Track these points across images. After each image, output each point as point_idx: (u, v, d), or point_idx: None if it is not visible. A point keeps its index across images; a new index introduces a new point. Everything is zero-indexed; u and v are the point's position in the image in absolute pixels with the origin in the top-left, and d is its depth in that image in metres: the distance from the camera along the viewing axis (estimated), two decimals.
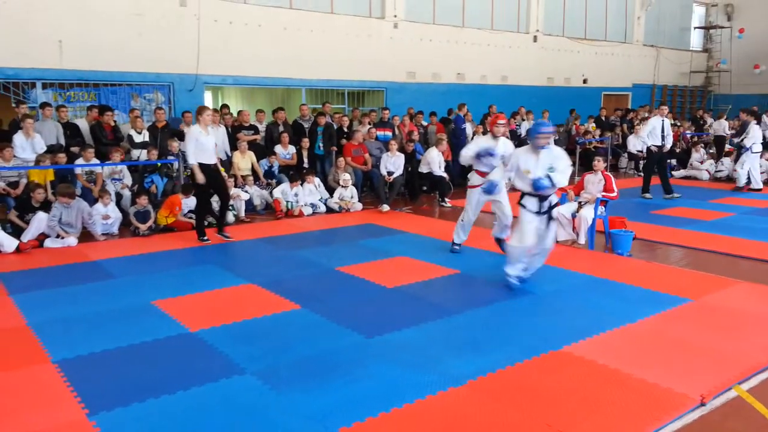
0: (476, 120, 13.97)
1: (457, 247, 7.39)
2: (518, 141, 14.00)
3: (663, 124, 11.03)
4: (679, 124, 17.18)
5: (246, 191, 9.89)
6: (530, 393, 3.79)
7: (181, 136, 10.22)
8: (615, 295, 5.75)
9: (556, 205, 5.97)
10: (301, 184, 10.11)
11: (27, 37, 10.43)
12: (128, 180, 9.59)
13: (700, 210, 10.12)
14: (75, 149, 9.45)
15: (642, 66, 20.91)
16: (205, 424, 3.44)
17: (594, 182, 7.68)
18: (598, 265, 6.76)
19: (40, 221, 7.73)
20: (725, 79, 22.93)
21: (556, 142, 14.65)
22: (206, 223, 8.96)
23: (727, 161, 14.07)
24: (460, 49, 16.16)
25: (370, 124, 12.12)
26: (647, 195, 11.29)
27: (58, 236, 7.79)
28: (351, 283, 6.21)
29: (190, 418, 3.51)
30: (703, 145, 15.66)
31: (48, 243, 7.70)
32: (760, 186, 12.28)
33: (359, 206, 10.41)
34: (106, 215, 8.37)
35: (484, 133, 13.12)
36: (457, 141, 12.79)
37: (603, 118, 16.31)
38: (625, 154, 15.38)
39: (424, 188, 11.63)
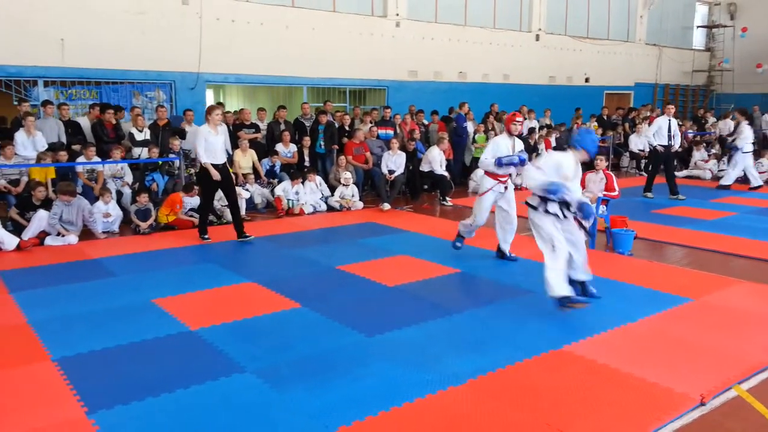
0: (477, 119, 13.96)
1: (459, 245, 7.19)
2: (521, 140, 13.99)
3: (670, 123, 11.00)
4: (681, 123, 17.13)
5: (247, 190, 9.89)
6: (530, 392, 3.78)
7: (182, 135, 10.23)
8: (616, 294, 5.73)
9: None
10: (303, 183, 10.11)
11: (29, 36, 10.44)
12: (129, 178, 9.60)
13: (701, 209, 10.10)
14: (76, 147, 9.46)
15: (644, 65, 20.87)
16: (205, 423, 3.44)
17: (595, 181, 7.67)
18: (599, 264, 6.72)
19: (40, 219, 7.74)
20: (728, 78, 22.87)
21: (558, 141, 14.75)
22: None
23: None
24: (462, 47, 16.14)
25: (371, 122, 12.12)
26: (649, 194, 11.26)
27: (58, 234, 7.80)
28: (352, 281, 6.20)
29: (190, 416, 3.51)
30: (705, 144, 15.63)
31: (48, 241, 7.71)
32: (760, 183, 12.30)
33: (360, 205, 10.41)
34: (106, 213, 8.38)
35: (486, 131, 13.16)
36: (459, 140, 12.80)
37: (605, 117, 16.29)
38: (627, 153, 15.36)
39: (425, 187, 11.62)
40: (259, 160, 10.54)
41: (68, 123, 9.83)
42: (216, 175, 7.60)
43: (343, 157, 10.91)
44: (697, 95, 23.18)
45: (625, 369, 4.08)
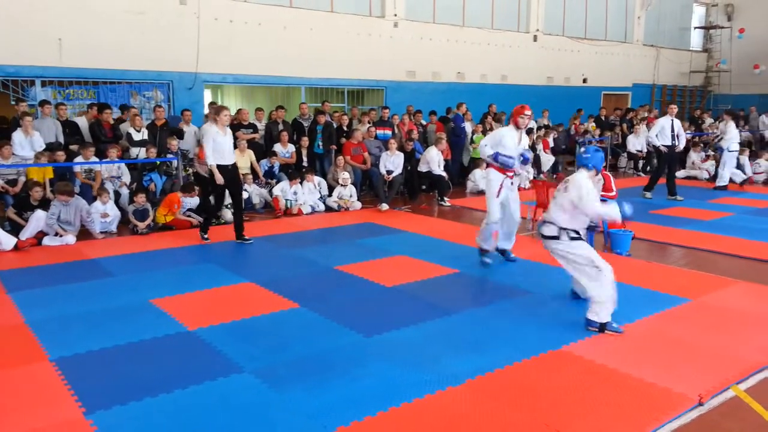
0: (476, 119, 13.97)
1: (488, 260, 6.66)
2: None
3: (672, 124, 11.01)
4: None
5: (245, 190, 9.87)
6: (529, 392, 3.79)
7: (180, 135, 10.22)
8: (615, 296, 5.73)
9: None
10: (301, 183, 10.10)
11: (27, 35, 10.42)
12: (127, 178, 9.58)
13: (699, 210, 10.12)
14: (74, 147, 9.44)
15: (642, 66, 20.91)
16: (203, 423, 3.44)
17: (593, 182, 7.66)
18: None
19: (38, 219, 7.72)
20: (725, 79, 22.93)
21: (555, 142, 14.78)
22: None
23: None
24: (460, 48, 16.16)
25: (369, 122, 12.12)
26: (648, 194, 11.26)
27: (56, 234, 7.78)
28: (350, 282, 6.20)
29: (188, 416, 3.50)
30: (702, 145, 15.65)
31: (46, 241, 7.70)
32: (725, 183, 12.46)
33: (358, 205, 10.41)
34: (104, 213, 8.37)
35: (484, 132, 13.17)
36: (457, 140, 12.80)
37: (603, 118, 16.31)
38: (625, 154, 15.38)
39: (424, 187, 11.62)
40: (258, 160, 10.53)
41: (66, 123, 9.82)
42: (219, 179, 7.57)
43: (341, 158, 10.91)
44: (695, 96, 23.23)
45: (623, 369, 4.09)
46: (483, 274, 6.41)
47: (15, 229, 7.80)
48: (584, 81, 19.26)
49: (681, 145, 11.30)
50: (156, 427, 3.39)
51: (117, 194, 9.22)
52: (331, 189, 10.63)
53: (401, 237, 8.30)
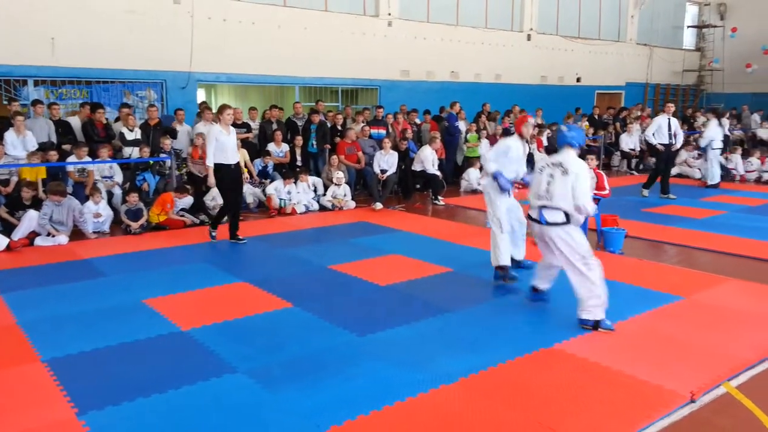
0: (470, 118, 13.99)
1: (515, 275, 6.02)
2: None
3: (669, 122, 11.04)
4: None
5: None
6: (522, 390, 3.80)
7: (173, 134, 10.19)
8: (606, 292, 5.76)
9: None
10: (295, 183, 10.08)
11: (19, 34, 10.36)
12: (119, 177, 9.55)
13: (691, 208, 10.16)
14: (67, 147, 9.40)
15: (635, 65, 20.98)
16: (196, 423, 3.43)
17: None
18: None
19: (30, 219, 7.69)
20: (717, 77, 23.04)
21: (549, 140, 14.80)
22: (199, 221, 8.96)
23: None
24: (454, 47, 16.16)
25: (363, 122, 12.11)
26: (645, 192, 11.25)
27: (48, 234, 7.75)
28: (344, 281, 6.20)
29: (182, 417, 3.50)
30: (694, 143, 15.70)
31: (38, 241, 7.66)
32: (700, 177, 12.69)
33: (352, 204, 10.41)
34: (97, 213, 8.34)
35: (478, 131, 13.19)
36: (451, 139, 12.81)
37: (596, 117, 16.36)
38: (618, 153, 15.42)
39: (418, 186, 11.63)
40: (252, 160, 10.51)
41: (59, 122, 9.76)
42: (212, 182, 7.54)
43: (335, 157, 10.90)
44: (688, 95, 23.32)
45: (615, 367, 4.10)
46: (476, 273, 6.42)
47: (7, 229, 7.76)
48: (578, 80, 19.31)
49: (678, 143, 11.34)
50: (149, 428, 3.38)
51: (110, 194, 9.19)
52: (325, 188, 10.63)
53: (395, 236, 8.30)
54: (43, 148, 9.01)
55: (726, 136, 16.60)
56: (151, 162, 9.78)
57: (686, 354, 4.33)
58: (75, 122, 10.12)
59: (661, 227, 8.66)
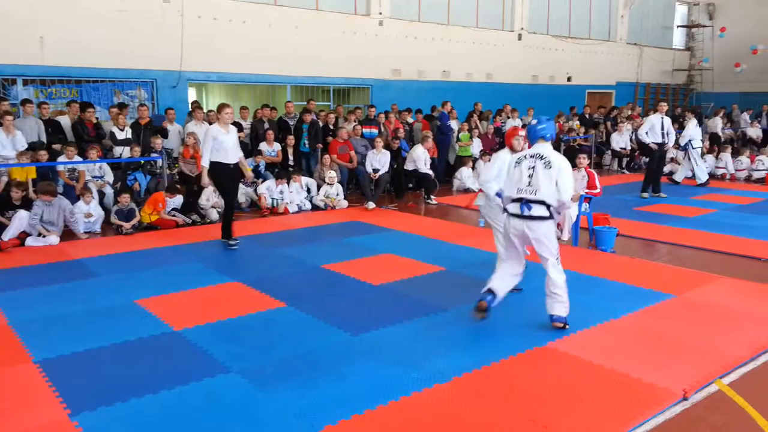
0: (461, 118, 14.00)
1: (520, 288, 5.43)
2: (501, 138, 14.07)
3: (662, 121, 11.09)
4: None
5: None
6: (515, 389, 3.81)
7: (164, 134, 10.14)
8: (599, 291, 5.79)
9: None
10: (288, 184, 10.05)
11: (7, 33, 10.28)
12: (109, 177, 9.49)
13: (682, 207, 10.22)
14: (57, 147, 9.34)
15: (625, 64, 21.09)
16: (190, 423, 3.42)
17: (577, 179, 7.71)
18: (582, 262, 6.80)
19: (21, 219, 7.62)
20: (707, 77, 23.21)
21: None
22: (191, 220, 8.92)
23: (710, 158, 14.24)
24: (445, 46, 16.19)
25: (355, 121, 12.11)
26: (645, 195, 11.20)
27: (39, 234, 7.69)
28: (337, 280, 6.19)
29: (175, 417, 3.48)
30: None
31: (29, 241, 7.60)
32: (680, 180, 12.69)
33: (345, 204, 10.40)
34: (88, 213, 8.28)
35: (470, 130, 13.21)
36: (444, 138, 12.82)
37: (587, 116, 16.43)
38: (609, 152, 15.49)
39: (410, 185, 11.64)
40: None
41: (48, 122, 9.70)
42: (206, 182, 7.44)
43: (327, 156, 10.88)
44: (678, 94, 23.47)
45: (608, 365, 4.12)
46: (469, 272, 6.42)
47: None
48: (569, 79, 19.39)
49: (670, 143, 11.40)
50: (142, 428, 3.36)
51: (101, 194, 9.13)
52: (317, 187, 10.61)
53: (388, 235, 8.30)
54: (33, 147, 8.94)
55: (717, 135, 16.87)
56: (142, 162, 9.73)
57: (678, 352, 4.35)
58: (65, 122, 10.05)
59: (653, 226, 8.71)
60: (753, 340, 4.56)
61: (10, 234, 7.53)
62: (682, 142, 12.28)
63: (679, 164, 14.24)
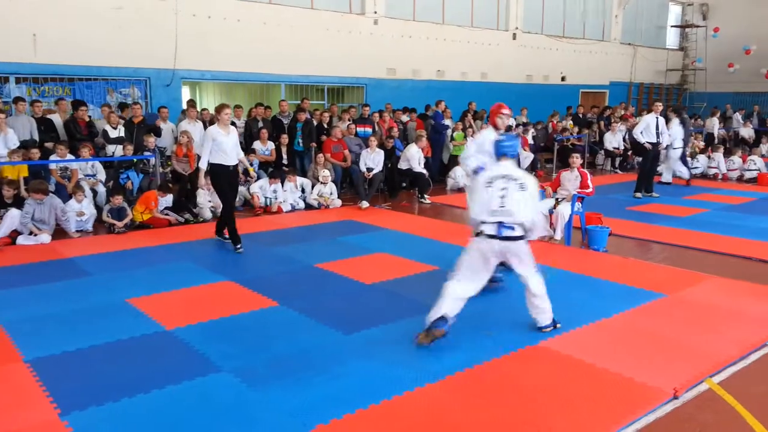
0: (455, 117, 14.02)
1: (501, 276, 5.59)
2: None
3: (657, 121, 11.12)
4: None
5: None
6: (507, 388, 3.82)
7: (157, 132, 10.11)
8: (591, 290, 5.81)
9: None
10: (282, 183, 10.04)
11: (0, 31, 10.22)
12: (102, 175, 9.45)
13: (674, 206, 10.26)
14: (49, 145, 9.29)
15: (619, 64, 21.15)
16: (182, 423, 3.41)
17: (570, 179, 7.75)
18: (575, 261, 6.82)
19: (12, 218, 7.59)
20: (700, 77, 23.29)
21: (535, 139, 14.86)
22: (183, 219, 8.90)
23: (702, 158, 14.30)
24: (440, 45, 16.20)
25: (349, 120, 12.10)
26: (638, 195, 11.23)
27: (31, 233, 7.66)
28: (329, 279, 6.19)
29: (166, 416, 3.47)
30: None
31: (21, 240, 7.57)
32: (670, 180, 12.73)
33: (338, 203, 10.39)
34: (80, 212, 8.25)
35: (464, 129, 13.21)
36: (438, 137, 12.83)
37: (580, 116, 16.47)
38: (602, 152, 15.54)
39: (404, 185, 11.64)
40: None
41: (41, 120, 9.65)
42: (202, 182, 7.35)
43: (321, 155, 10.87)
44: (671, 94, 23.55)
45: (600, 364, 4.14)
46: None
47: None
48: (563, 79, 19.43)
49: (664, 143, 11.43)
50: (133, 428, 3.36)
51: (94, 192, 9.10)
52: (311, 186, 10.60)
53: (381, 234, 8.30)
54: (25, 145, 8.90)
55: (711, 135, 16.97)
56: (135, 160, 9.70)
57: (669, 351, 4.37)
58: (57, 120, 10.01)
59: (645, 225, 8.73)
60: (743, 339, 4.58)
61: (1, 233, 7.50)
62: (665, 142, 12.29)
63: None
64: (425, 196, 10.99)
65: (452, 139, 13.16)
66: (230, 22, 12.66)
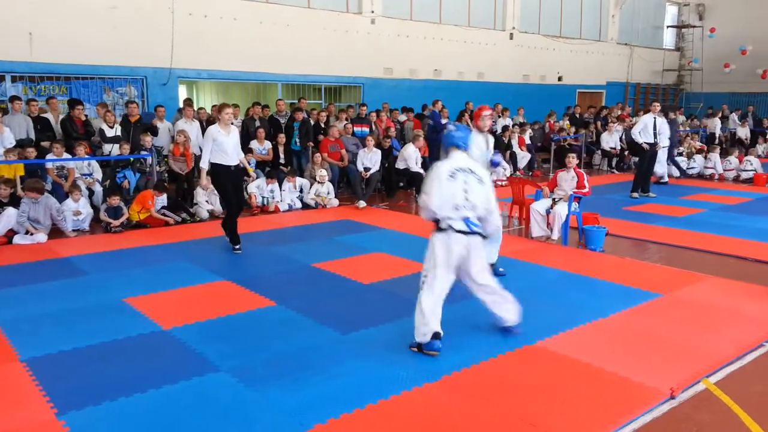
0: (452, 117, 14.01)
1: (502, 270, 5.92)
2: (494, 138, 14.10)
3: (655, 121, 11.14)
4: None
5: None
6: (504, 388, 3.82)
7: (154, 131, 10.09)
8: (588, 290, 5.82)
9: None
10: (280, 184, 10.03)
11: None
12: (98, 175, 9.43)
13: (671, 206, 10.28)
14: (45, 144, 9.27)
15: (616, 64, 21.20)
16: (179, 423, 3.40)
17: (567, 179, 7.76)
18: (572, 261, 6.83)
19: (9, 217, 7.57)
20: (696, 77, 23.36)
21: (532, 139, 14.88)
22: (180, 219, 8.88)
23: (699, 158, 14.34)
24: (437, 45, 16.21)
25: (347, 119, 12.09)
26: (635, 194, 11.23)
27: (27, 232, 7.64)
28: (327, 279, 6.19)
29: (164, 416, 3.47)
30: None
31: (17, 239, 7.55)
32: (666, 179, 12.85)
33: (335, 202, 10.39)
34: (77, 211, 8.23)
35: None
36: (436, 136, 12.81)
37: (577, 116, 16.50)
38: (599, 152, 15.57)
39: (401, 184, 11.64)
40: None
41: (37, 119, 9.62)
42: (203, 182, 7.28)
43: (318, 155, 10.86)
44: (668, 94, 23.60)
45: (597, 364, 4.14)
46: None
47: None
48: (559, 79, 19.46)
49: (662, 143, 11.46)
50: (130, 428, 3.35)
51: (90, 192, 9.08)
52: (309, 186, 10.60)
53: (378, 234, 8.30)
54: (22, 144, 8.88)
55: (713, 135, 17.03)
56: (132, 159, 9.68)
57: (666, 351, 4.38)
58: (54, 119, 9.98)
59: (642, 225, 8.75)
60: (740, 339, 4.60)
61: None
62: (663, 143, 12.31)
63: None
64: None
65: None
66: (227, 21, 12.64)
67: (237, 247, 7.27)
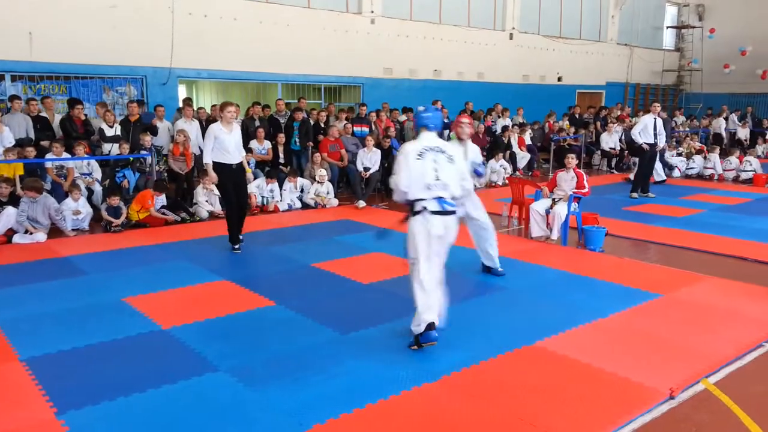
0: (452, 117, 14.01)
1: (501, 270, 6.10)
2: (493, 138, 14.12)
3: (655, 122, 11.14)
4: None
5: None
6: (503, 388, 3.82)
7: (153, 131, 10.09)
8: (587, 290, 5.82)
9: None
10: (280, 184, 10.02)
11: None
12: (98, 174, 9.43)
13: (671, 207, 10.28)
14: (45, 143, 9.27)
15: (615, 64, 21.20)
16: (178, 422, 3.40)
17: (566, 179, 7.76)
18: (571, 261, 6.83)
19: (8, 216, 7.57)
20: (696, 78, 23.37)
21: (532, 139, 14.88)
22: (179, 218, 8.88)
23: (698, 159, 14.35)
24: (436, 45, 16.21)
25: (346, 119, 12.09)
26: (634, 195, 11.22)
27: (26, 232, 7.63)
28: (326, 279, 6.19)
29: (163, 416, 3.46)
30: (675, 143, 15.93)
31: (16, 239, 7.54)
32: (663, 178, 12.91)
33: (335, 202, 10.39)
34: (76, 211, 8.23)
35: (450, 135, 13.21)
36: (438, 136, 12.81)
37: (576, 116, 16.50)
38: (598, 152, 15.57)
39: None
40: None
41: (36, 118, 9.62)
42: (213, 177, 7.15)
43: (318, 155, 10.86)
44: (667, 95, 23.61)
45: (596, 364, 4.14)
46: (458, 271, 6.43)
47: None
48: (559, 79, 19.46)
49: (661, 143, 11.46)
50: (129, 427, 3.35)
51: (90, 191, 9.07)
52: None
53: (378, 234, 8.28)
54: (21, 144, 8.87)
55: (720, 136, 17.05)
56: (131, 159, 9.68)
57: (665, 351, 4.38)
58: (50, 118, 9.97)
59: (641, 225, 8.75)
60: (739, 339, 4.60)
61: None
62: (662, 144, 12.31)
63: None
64: None
65: (449, 138, 13.14)
66: (227, 20, 12.64)
67: (236, 247, 7.26)
